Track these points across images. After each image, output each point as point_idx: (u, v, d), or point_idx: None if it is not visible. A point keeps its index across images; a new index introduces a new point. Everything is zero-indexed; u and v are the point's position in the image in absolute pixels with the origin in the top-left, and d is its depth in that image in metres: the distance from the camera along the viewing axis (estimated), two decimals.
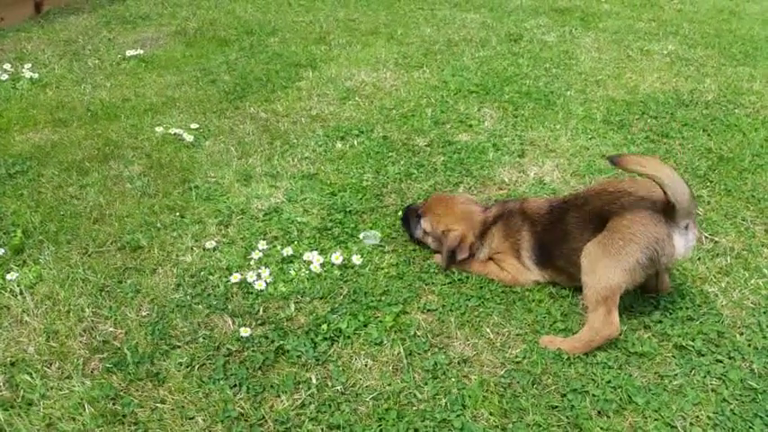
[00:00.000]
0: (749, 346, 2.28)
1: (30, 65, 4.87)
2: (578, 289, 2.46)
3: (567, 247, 2.40)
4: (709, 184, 3.26)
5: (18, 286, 2.55)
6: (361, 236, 2.85)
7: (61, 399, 2.08)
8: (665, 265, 2.25)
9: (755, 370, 2.17)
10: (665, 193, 2.10)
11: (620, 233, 2.18)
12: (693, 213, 2.19)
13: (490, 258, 2.64)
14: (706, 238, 2.82)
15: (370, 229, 2.91)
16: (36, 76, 4.71)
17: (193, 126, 3.92)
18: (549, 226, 2.47)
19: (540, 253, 2.51)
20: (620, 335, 2.26)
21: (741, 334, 2.33)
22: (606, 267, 2.19)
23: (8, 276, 2.59)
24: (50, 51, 5.27)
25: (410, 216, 2.80)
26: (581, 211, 2.36)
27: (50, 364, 2.22)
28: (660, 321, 2.38)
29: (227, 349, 2.28)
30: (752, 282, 2.57)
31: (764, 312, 2.42)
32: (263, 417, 2.02)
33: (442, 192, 3.08)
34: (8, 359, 2.23)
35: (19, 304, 2.47)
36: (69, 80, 4.70)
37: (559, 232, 2.42)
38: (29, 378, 2.15)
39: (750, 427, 1.98)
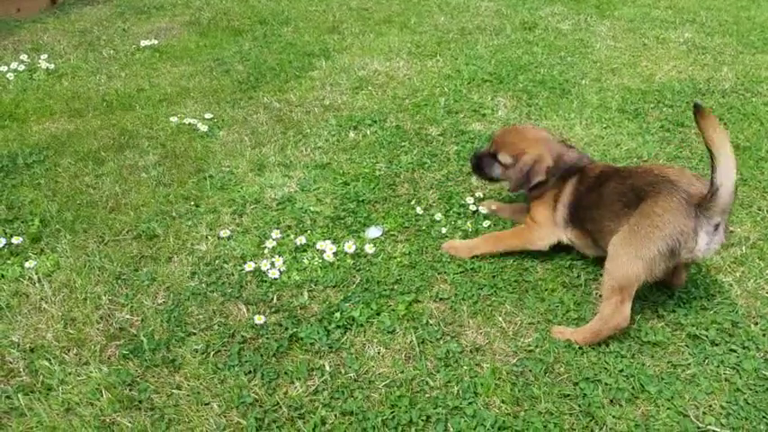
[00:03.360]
0: (764, 335, 2.26)
1: (46, 55, 4.92)
2: (596, 261, 2.46)
3: (597, 212, 2.40)
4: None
5: (36, 274, 2.59)
6: (364, 233, 2.84)
7: (79, 384, 2.12)
8: (685, 260, 2.22)
9: None
10: (712, 174, 2.03)
11: (649, 219, 2.16)
12: (728, 212, 2.14)
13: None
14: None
15: (383, 219, 2.92)
16: (52, 66, 4.76)
17: (207, 116, 3.94)
18: (591, 187, 2.48)
19: (574, 211, 2.51)
20: (630, 325, 2.26)
21: (756, 324, 2.32)
22: (628, 255, 2.18)
23: (26, 264, 2.63)
24: (66, 42, 5.32)
25: (483, 160, 2.77)
26: (621, 184, 2.36)
27: (68, 351, 2.26)
28: (674, 311, 2.37)
29: (242, 336, 2.31)
30: (767, 272, 2.55)
31: None
32: (278, 403, 2.05)
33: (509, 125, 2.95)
34: (28, 345, 2.27)
35: (37, 292, 2.51)
36: (84, 70, 4.73)
37: (596, 196, 2.43)
38: (48, 364, 2.19)
39: (764, 417, 1.97)
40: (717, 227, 2.14)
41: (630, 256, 2.18)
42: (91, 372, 2.16)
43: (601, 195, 2.40)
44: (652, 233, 2.14)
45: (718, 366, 2.15)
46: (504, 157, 2.68)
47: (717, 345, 2.23)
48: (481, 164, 2.79)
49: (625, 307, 2.20)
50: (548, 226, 2.57)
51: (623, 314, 2.19)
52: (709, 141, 2.01)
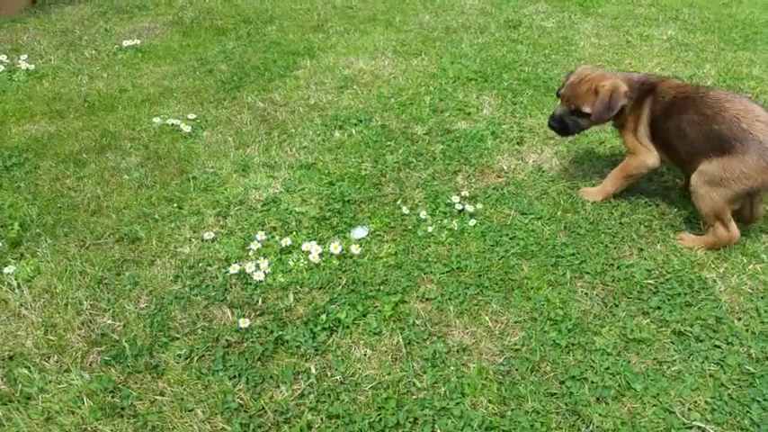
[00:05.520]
0: (747, 331, 2.28)
1: (26, 56, 4.85)
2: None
3: (677, 141, 2.65)
4: None
5: (15, 280, 2.55)
6: (350, 233, 2.82)
7: (60, 392, 2.09)
8: (760, 196, 2.63)
9: (753, 355, 2.17)
10: None
11: (735, 174, 2.45)
12: None
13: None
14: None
15: (369, 219, 2.91)
16: (32, 67, 4.69)
17: (191, 116, 3.91)
18: (668, 112, 2.68)
19: (654, 132, 2.76)
20: (617, 322, 2.27)
21: (739, 319, 2.33)
22: (712, 196, 2.52)
23: (5, 270, 2.59)
24: (46, 42, 5.24)
25: (566, 121, 2.90)
26: (704, 124, 2.55)
27: (49, 358, 2.22)
28: (659, 307, 2.38)
29: (227, 340, 2.28)
30: (750, 267, 2.57)
31: (762, 297, 2.42)
32: (263, 407, 2.03)
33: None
34: (6, 353, 2.24)
35: (17, 298, 2.47)
36: (66, 71, 4.67)
37: (675, 126, 2.64)
38: (27, 372, 2.15)
39: (748, 412, 1.98)
40: None
41: (715, 197, 2.51)
42: (72, 379, 2.13)
43: (680, 128, 2.62)
44: (735, 185, 2.46)
45: (703, 362, 2.16)
46: (587, 107, 2.81)
47: (701, 341, 2.24)
48: (567, 126, 2.91)
49: (730, 226, 2.57)
50: (643, 146, 2.79)
51: (732, 231, 2.58)
52: None
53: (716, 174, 2.50)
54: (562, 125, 2.93)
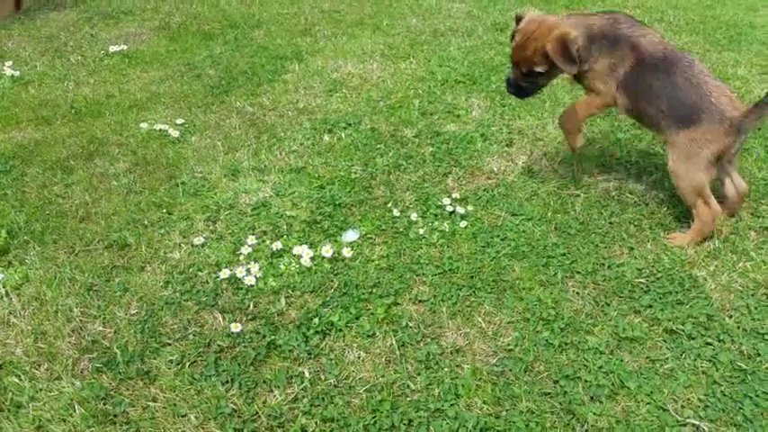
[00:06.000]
0: (738, 328, 2.29)
1: (11, 62, 4.80)
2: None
3: (647, 103, 2.69)
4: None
5: (4, 287, 2.52)
6: (341, 236, 2.81)
7: (51, 400, 2.06)
8: (733, 164, 2.74)
9: (744, 351, 2.19)
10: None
11: (698, 143, 2.57)
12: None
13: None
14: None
15: (360, 222, 2.90)
16: (17, 73, 4.64)
17: (179, 121, 3.88)
18: (642, 73, 2.67)
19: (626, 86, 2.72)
20: (608, 321, 2.28)
21: (730, 317, 2.35)
22: (688, 171, 2.62)
23: None
24: (31, 48, 5.20)
25: (522, 86, 2.84)
26: (678, 93, 2.61)
27: (39, 366, 2.20)
28: (650, 306, 2.39)
29: (218, 345, 2.27)
30: (740, 265, 2.59)
31: (752, 295, 2.44)
32: (257, 412, 2.02)
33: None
34: None
35: (5, 305, 2.44)
36: (52, 77, 4.63)
37: (647, 87, 2.67)
38: (17, 380, 2.13)
39: (740, 408, 2.00)
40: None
41: (690, 171, 2.61)
42: (63, 387, 2.10)
43: (652, 89, 2.65)
44: (702, 151, 2.57)
45: (695, 360, 2.17)
46: (539, 67, 2.72)
47: (693, 338, 2.26)
48: (525, 89, 2.85)
49: (710, 201, 2.62)
50: (610, 93, 2.77)
51: (713, 207, 2.63)
52: None
53: (686, 146, 2.60)
54: (518, 89, 2.86)
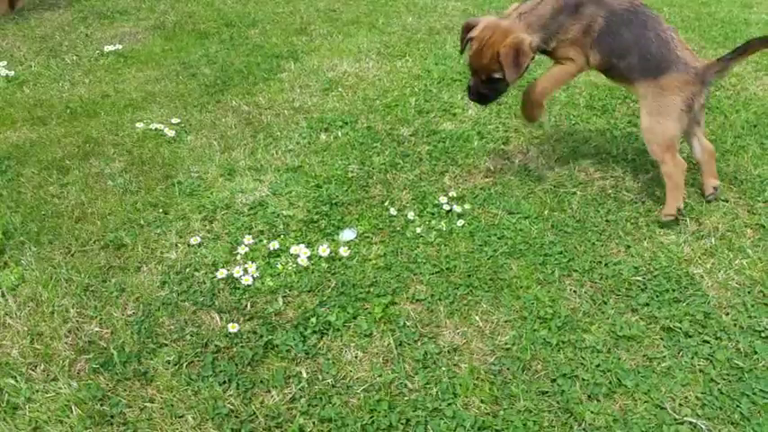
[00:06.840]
0: (735, 325, 2.30)
1: (5, 62, 4.78)
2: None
3: (620, 58, 2.76)
4: (691, 166, 3.28)
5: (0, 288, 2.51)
6: (338, 235, 2.81)
7: (47, 401, 2.05)
8: (696, 113, 2.78)
9: (741, 349, 2.20)
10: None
11: (670, 91, 2.68)
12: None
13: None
14: (690, 219, 2.84)
15: (357, 221, 2.90)
16: (12, 73, 4.62)
17: (174, 121, 3.87)
18: (615, 29, 2.74)
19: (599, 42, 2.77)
20: (605, 319, 2.28)
21: (727, 314, 2.35)
22: (660, 122, 2.72)
23: None
24: (26, 48, 5.18)
25: (479, 89, 2.83)
26: (648, 48, 2.70)
27: (35, 367, 2.19)
28: (647, 304, 2.40)
29: (216, 346, 2.26)
30: (736, 262, 2.60)
31: (749, 292, 2.45)
32: (254, 413, 2.01)
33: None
34: None
35: (1, 307, 2.43)
36: (46, 77, 4.61)
37: (621, 40, 2.73)
38: (13, 382, 2.12)
39: (738, 406, 2.00)
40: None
41: (662, 122, 2.71)
42: (60, 388, 2.09)
43: (625, 43, 2.72)
44: (673, 99, 2.68)
45: (693, 358, 2.18)
46: (496, 73, 2.74)
47: (690, 336, 2.26)
48: (486, 95, 2.86)
49: (677, 156, 2.75)
50: (583, 56, 2.82)
51: (679, 161, 2.75)
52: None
53: (657, 95, 2.70)
54: (480, 96, 2.86)
